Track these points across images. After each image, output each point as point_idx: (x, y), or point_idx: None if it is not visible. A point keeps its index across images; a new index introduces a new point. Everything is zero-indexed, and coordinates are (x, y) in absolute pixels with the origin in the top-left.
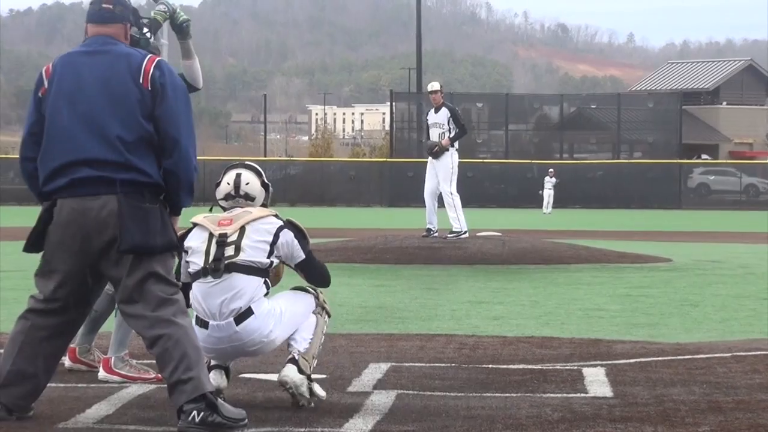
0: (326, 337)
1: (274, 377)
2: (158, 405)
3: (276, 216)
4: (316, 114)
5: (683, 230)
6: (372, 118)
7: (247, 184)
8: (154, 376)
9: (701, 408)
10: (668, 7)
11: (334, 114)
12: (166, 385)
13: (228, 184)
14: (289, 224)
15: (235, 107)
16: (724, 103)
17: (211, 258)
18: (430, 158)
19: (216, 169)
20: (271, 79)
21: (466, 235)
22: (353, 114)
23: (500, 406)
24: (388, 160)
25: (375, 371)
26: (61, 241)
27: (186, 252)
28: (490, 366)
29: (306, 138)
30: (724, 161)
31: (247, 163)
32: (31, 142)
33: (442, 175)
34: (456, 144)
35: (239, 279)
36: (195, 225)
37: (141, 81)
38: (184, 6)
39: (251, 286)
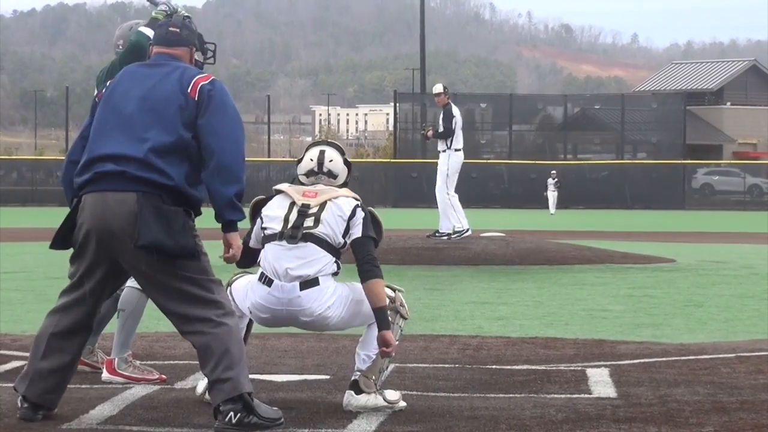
0: (329, 338)
1: (276, 378)
2: (162, 406)
3: (358, 199)
4: (320, 115)
5: (687, 231)
6: (376, 119)
7: (331, 161)
8: (157, 377)
9: (705, 408)
10: (672, 8)
11: (338, 115)
12: (169, 386)
13: (311, 160)
14: (368, 210)
15: (238, 108)
16: (728, 103)
17: (290, 225)
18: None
19: None
20: (274, 79)
21: (469, 233)
22: (357, 115)
23: (504, 406)
24: (392, 160)
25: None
26: (85, 235)
27: (262, 219)
28: (493, 367)
29: (310, 139)
30: (728, 161)
31: (329, 140)
32: (80, 145)
33: (439, 177)
34: (454, 145)
35: (313, 249)
36: (278, 192)
37: (189, 90)
38: (188, 7)
39: (323, 259)
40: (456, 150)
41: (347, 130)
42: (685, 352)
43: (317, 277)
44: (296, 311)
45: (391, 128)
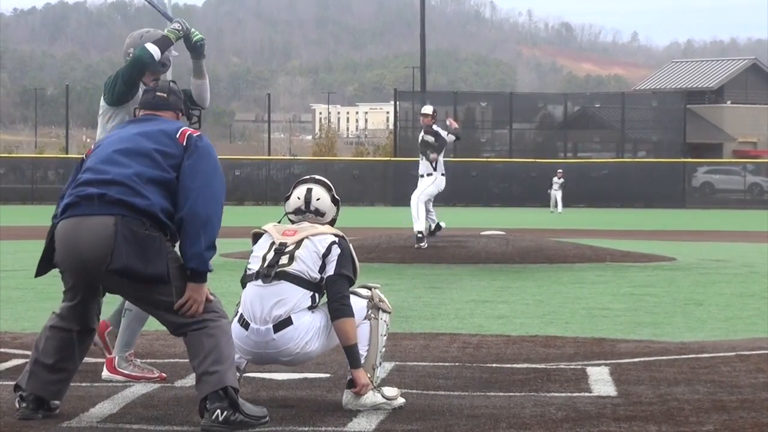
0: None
1: (277, 376)
2: (162, 404)
3: (338, 236)
4: (320, 113)
5: (687, 229)
6: (376, 117)
7: (318, 199)
8: (157, 375)
9: (705, 407)
10: (672, 6)
11: (338, 113)
12: (169, 385)
13: (298, 198)
14: (346, 246)
15: (239, 106)
16: (729, 102)
17: (266, 264)
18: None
19: None
20: (275, 78)
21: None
22: (357, 113)
23: (504, 405)
24: (392, 159)
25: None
26: (63, 259)
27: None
28: (493, 365)
29: (310, 137)
30: (728, 160)
31: (317, 177)
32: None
33: (419, 188)
34: (440, 169)
35: (286, 287)
36: (265, 232)
37: (177, 136)
38: (189, 5)
39: (296, 296)
40: (442, 174)
41: (347, 129)
42: (686, 351)
43: (290, 317)
44: (274, 353)
45: (391, 126)
